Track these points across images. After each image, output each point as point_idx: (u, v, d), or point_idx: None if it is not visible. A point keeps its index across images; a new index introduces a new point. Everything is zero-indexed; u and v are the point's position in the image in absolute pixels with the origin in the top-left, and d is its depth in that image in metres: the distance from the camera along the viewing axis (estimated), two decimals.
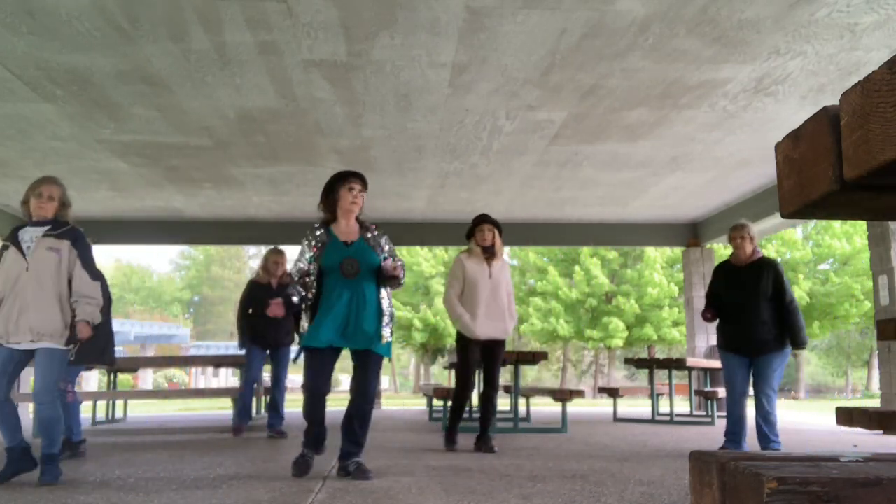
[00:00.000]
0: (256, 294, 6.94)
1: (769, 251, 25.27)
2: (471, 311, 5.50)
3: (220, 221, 11.43)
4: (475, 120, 6.94)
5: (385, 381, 37.91)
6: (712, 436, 6.93)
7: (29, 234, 4.16)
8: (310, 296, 4.13)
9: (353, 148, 7.81)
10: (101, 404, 9.91)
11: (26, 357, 4.06)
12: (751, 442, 5.46)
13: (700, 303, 11.80)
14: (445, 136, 7.45)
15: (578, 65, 5.63)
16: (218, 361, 10.77)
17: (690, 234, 11.92)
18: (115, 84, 5.94)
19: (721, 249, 24.18)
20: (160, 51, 5.31)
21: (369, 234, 4.24)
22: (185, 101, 6.34)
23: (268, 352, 7.01)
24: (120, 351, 29.64)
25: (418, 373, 39.80)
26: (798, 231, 25.49)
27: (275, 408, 6.93)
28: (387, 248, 4.28)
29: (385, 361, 4.30)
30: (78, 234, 4.23)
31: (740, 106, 6.56)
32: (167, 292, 48.23)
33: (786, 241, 24.97)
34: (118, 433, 7.93)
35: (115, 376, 9.61)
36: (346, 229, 4.23)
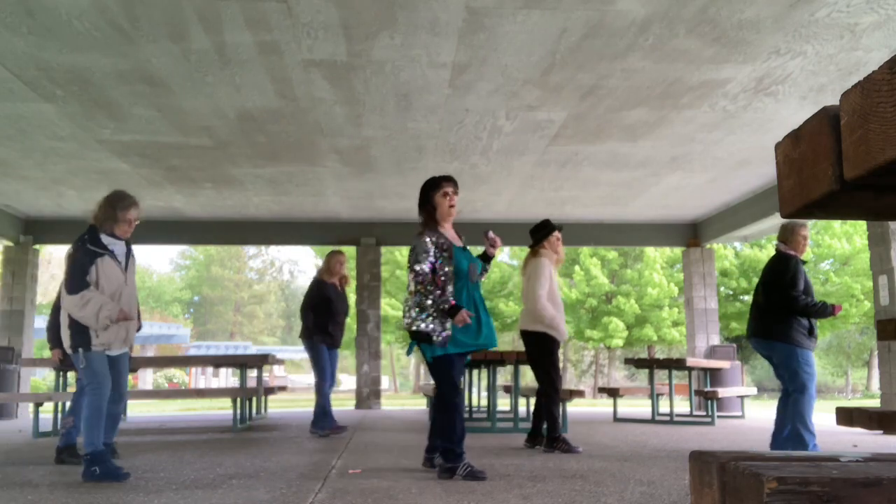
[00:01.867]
0: (326, 293, 6.91)
1: (770, 251, 25.28)
2: (557, 313, 5.58)
3: (220, 221, 11.43)
4: (475, 120, 6.94)
5: (385, 381, 37.91)
6: (712, 436, 6.93)
7: (118, 248, 4.36)
8: (442, 297, 4.12)
9: (353, 148, 7.81)
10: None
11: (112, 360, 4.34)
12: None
13: (700, 302, 11.85)
14: (445, 136, 7.45)
15: (578, 65, 5.63)
16: (218, 361, 10.78)
17: (690, 234, 11.92)
18: (115, 84, 5.94)
19: (721, 249, 24.20)
20: (160, 51, 5.31)
21: (462, 237, 4.42)
22: (185, 101, 6.34)
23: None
24: None
25: (418, 373, 39.82)
26: None
27: (324, 408, 6.90)
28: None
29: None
30: (73, 244, 4.43)
31: (740, 106, 6.56)
32: (167, 292, 48.22)
33: None
34: (118, 433, 7.92)
35: None
36: (453, 234, 4.35)
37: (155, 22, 4.88)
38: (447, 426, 4.13)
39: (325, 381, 6.85)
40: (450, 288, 4.13)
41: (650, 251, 25.15)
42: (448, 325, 4.11)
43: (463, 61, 5.56)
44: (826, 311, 5.13)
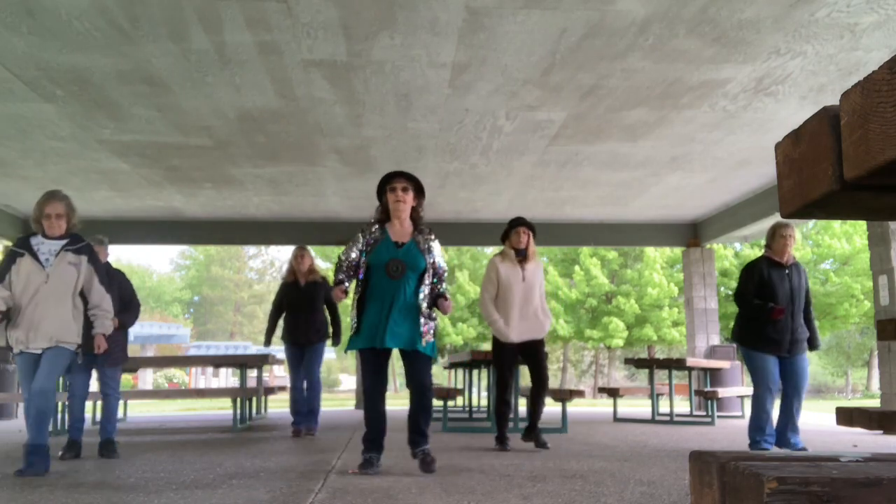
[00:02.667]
0: (286, 294, 6.97)
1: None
2: (504, 315, 5.54)
3: (220, 221, 11.43)
4: (475, 120, 6.94)
5: None
6: (712, 436, 6.94)
7: (47, 247, 4.44)
8: (346, 284, 4.28)
9: (353, 148, 7.81)
10: (101, 404, 9.90)
11: (40, 358, 4.38)
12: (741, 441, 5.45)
13: (700, 302, 11.85)
14: (445, 136, 7.45)
15: (578, 65, 5.63)
16: (218, 361, 10.78)
17: (690, 234, 11.92)
18: (115, 84, 5.94)
19: (721, 249, 24.17)
20: (160, 51, 5.31)
21: (421, 237, 4.35)
22: (185, 101, 6.34)
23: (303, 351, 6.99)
24: None
25: None
26: (797, 232, 25.49)
27: (311, 408, 6.92)
28: (436, 253, 4.39)
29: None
30: (92, 249, 4.61)
31: (740, 106, 6.56)
32: (167, 292, 48.21)
33: None
34: (118, 433, 7.92)
35: None
36: (400, 230, 4.35)
37: (155, 22, 4.88)
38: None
39: (293, 382, 6.93)
40: (360, 276, 4.27)
41: (650, 251, 25.15)
42: (355, 319, 4.24)
43: (463, 61, 5.56)
44: (763, 312, 5.19)
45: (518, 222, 5.71)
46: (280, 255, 51.25)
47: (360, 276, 4.26)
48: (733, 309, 25.66)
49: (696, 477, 1.08)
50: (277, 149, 7.81)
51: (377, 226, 4.37)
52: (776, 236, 5.41)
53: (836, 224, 23.39)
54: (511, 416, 6.37)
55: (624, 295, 25.76)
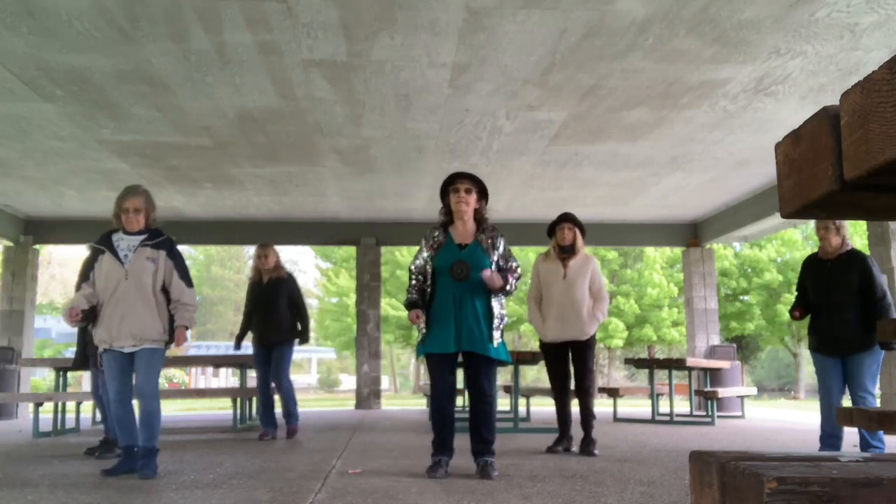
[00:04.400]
0: (251, 294, 6.82)
1: (769, 251, 25.26)
2: (544, 314, 5.47)
3: (220, 221, 11.43)
4: (475, 120, 6.94)
5: (385, 381, 37.89)
6: (712, 436, 6.93)
7: (126, 243, 4.38)
8: (414, 294, 4.28)
9: (353, 148, 7.81)
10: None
11: (129, 359, 4.31)
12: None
13: (700, 303, 11.85)
14: (445, 136, 7.45)
15: (578, 65, 5.63)
16: (218, 361, 10.76)
17: (690, 234, 11.92)
18: (115, 84, 5.94)
19: (721, 249, 24.17)
20: (160, 51, 5.31)
21: (484, 236, 4.27)
22: (185, 101, 6.34)
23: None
24: None
25: (418, 373, 39.81)
26: (798, 232, 25.49)
27: (270, 409, 6.69)
28: (501, 249, 4.31)
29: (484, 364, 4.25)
30: (172, 244, 4.49)
31: (740, 106, 6.56)
32: None
33: (786, 241, 24.96)
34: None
35: None
36: (463, 231, 4.29)
37: (155, 22, 4.88)
38: None
39: (261, 382, 6.71)
40: (428, 284, 4.25)
41: (650, 251, 25.15)
42: (422, 323, 4.21)
43: (463, 61, 5.56)
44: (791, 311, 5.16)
45: (564, 218, 5.58)
46: (280, 255, 51.15)
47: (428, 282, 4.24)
48: (733, 309, 25.77)
49: (696, 477, 1.08)
50: (277, 149, 7.81)
51: (440, 229, 4.34)
52: (816, 232, 5.19)
53: None
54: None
55: (624, 295, 25.75)
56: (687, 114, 6.76)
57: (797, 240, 25.55)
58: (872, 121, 0.75)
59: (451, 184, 4.32)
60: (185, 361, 13.14)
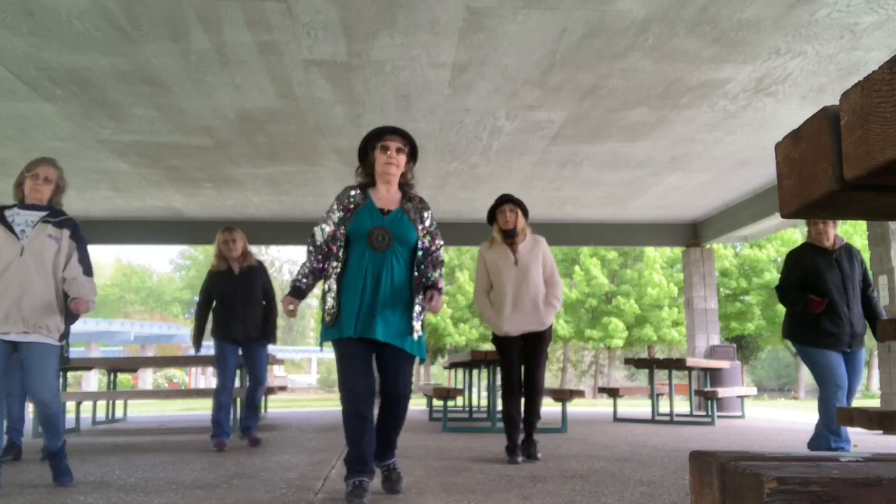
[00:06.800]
0: (216, 285, 6.05)
1: (769, 251, 25.27)
2: (498, 304, 4.92)
3: (220, 221, 11.40)
4: (475, 120, 6.94)
5: None
6: (712, 436, 6.93)
7: (23, 217, 3.83)
8: (329, 268, 3.50)
9: (353, 148, 7.76)
10: (101, 404, 9.91)
11: (13, 349, 3.76)
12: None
13: (700, 303, 11.85)
14: (445, 136, 7.45)
15: (578, 65, 5.63)
16: None
17: (690, 234, 11.92)
18: (115, 84, 5.94)
19: (721, 249, 24.17)
20: (160, 51, 5.31)
21: (412, 205, 3.58)
22: (185, 101, 6.34)
23: (240, 350, 6.09)
24: (120, 351, 29.63)
25: (418, 373, 39.82)
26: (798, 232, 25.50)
27: (254, 410, 6.36)
28: (428, 223, 3.61)
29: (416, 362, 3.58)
30: (76, 226, 3.98)
31: (740, 106, 6.56)
32: (167, 292, 48.20)
33: (786, 241, 24.97)
34: (118, 433, 7.93)
35: (115, 376, 9.61)
36: (386, 196, 3.57)
37: (155, 22, 4.88)
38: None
39: (223, 384, 5.91)
40: (340, 254, 3.47)
41: (650, 251, 25.17)
42: (333, 303, 3.42)
43: (463, 61, 5.56)
44: (801, 305, 4.80)
45: (504, 199, 5.03)
46: (280, 255, 51.25)
47: (339, 252, 3.47)
48: (733, 309, 25.78)
49: (696, 477, 1.08)
50: (277, 149, 7.81)
51: (358, 190, 3.57)
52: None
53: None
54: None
55: (624, 295, 25.77)
56: (687, 114, 6.76)
57: (797, 240, 25.56)
58: (872, 121, 0.75)
59: (380, 139, 3.58)
60: (185, 361, 13.14)
